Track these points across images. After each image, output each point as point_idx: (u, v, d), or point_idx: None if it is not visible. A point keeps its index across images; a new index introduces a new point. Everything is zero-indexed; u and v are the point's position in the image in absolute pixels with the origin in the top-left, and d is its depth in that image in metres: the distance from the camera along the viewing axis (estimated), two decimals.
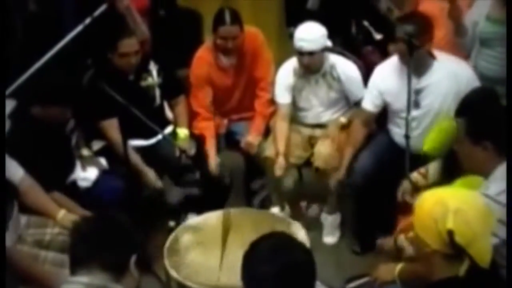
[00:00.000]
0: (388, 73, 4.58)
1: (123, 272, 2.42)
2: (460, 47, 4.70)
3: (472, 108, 3.30)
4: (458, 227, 2.41)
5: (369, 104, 4.69)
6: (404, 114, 4.46)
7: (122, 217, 2.59)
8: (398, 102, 4.53)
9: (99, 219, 2.60)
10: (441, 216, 2.44)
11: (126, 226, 2.55)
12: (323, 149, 4.86)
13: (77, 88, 4.34)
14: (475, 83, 4.33)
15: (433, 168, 4.00)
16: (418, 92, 4.42)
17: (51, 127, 4.18)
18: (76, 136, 4.69)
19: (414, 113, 4.37)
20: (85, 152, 4.71)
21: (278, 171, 4.87)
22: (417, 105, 4.41)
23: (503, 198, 2.91)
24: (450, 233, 2.41)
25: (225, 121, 5.28)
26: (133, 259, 2.45)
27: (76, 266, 2.41)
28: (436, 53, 4.33)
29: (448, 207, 2.45)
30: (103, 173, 4.57)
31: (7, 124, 4.01)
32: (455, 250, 2.44)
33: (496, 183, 3.02)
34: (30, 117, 4.14)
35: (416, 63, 4.33)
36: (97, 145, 4.94)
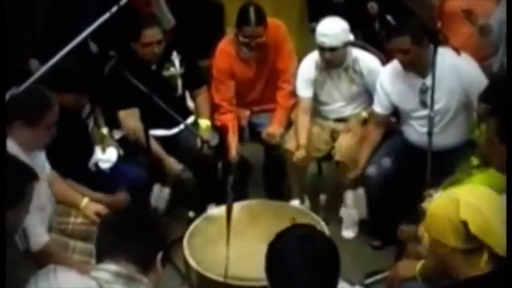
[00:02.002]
0: (393, 75, 4.56)
1: (149, 268, 2.41)
2: (486, 45, 4.67)
3: (504, 106, 3.25)
4: (472, 218, 2.39)
5: (379, 106, 4.69)
6: (414, 114, 4.49)
7: (153, 214, 2.59)
8: (406, 103, 4.53)
9: (130, 212, 2.61)
10: (454, 211, 2.42)
11: (156, 223, 2.56)
12: (344, 143, 4.84)
13: (94, 76, 4.36)
14: (479, 77, 4.30)
15: None
16: (423, 91, 4.39)
17: (67, 114, 4.19)
18: (95, 116, 4.71)
19: (423, 112, 4.36)
20: (104, 130, 4.74)
21: (298, 162, 4.87)
22: (424, 104, 4.38)
23: None
24: (465, 224, 2.39)
25: (247, 113, 5.28)
26: (159, 255, 2.45)
27: (103, 255, 2.41)
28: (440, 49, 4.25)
29: (459, 201, 2.43)
30: (124, 161, 4.57)
31: None
32: (472, 243, 2.41)
33: None
34: None
35: (419, 63, 4.34)
36: (117, 134, 4.96)
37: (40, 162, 3.65)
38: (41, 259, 3.25)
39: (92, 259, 3.63)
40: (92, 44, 4.95)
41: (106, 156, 4.53)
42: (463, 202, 2.43)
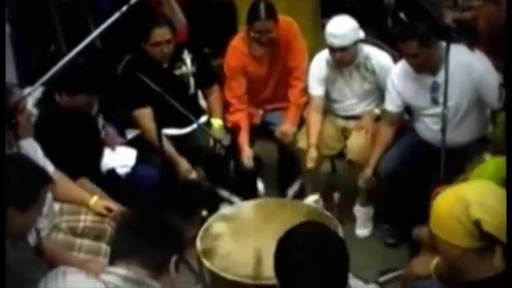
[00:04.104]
0: (403, 74, 4.53)
1: (162, 271, 2.40)
2: None
3: None
4: (484, 216, 2.34)
5: (391, 105, 4.66)
6: (426, 112, 4.47)
7: (168, 215, 2.57)
8: (417, 101, 4.51)
9: (146, 214, 2.58)
10: (463, 212, 2.37)
11: (172, 225, 2.53)
12: (357, 141, 4.83)
13: (108, 74, 4.36)
14: (491, 74, 4.26)
15: None
16: (434, 89, 4.36)
17: (78, 114, 4.20)
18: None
19: (435, 110, 4.34)
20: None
21: (310, 163, 4.85)
22: (436, 102, 4.35)
23: None
24: (477, 223, 2.35)
25: (260, 112, 5.27)
26: (173, 259, 2.43)
27: (115, 257, 2.40)
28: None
29: (468, 200, 2.38)
30: (137, 161, 4.57)
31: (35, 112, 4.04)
32: (486, 242, 2.38)
33: None
34: (57, 105, 4.16)
35: (430, 63, 4.31)
36: (131, 134, 4.96)
37: (40, 163, 3.64)
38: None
39: (99, 257, 3.64)
40: (98, 41, 4.96)
41: (123, 161, 4.53)
42: (472, 200, 2.38)
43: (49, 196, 3.57)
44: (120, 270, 2.33)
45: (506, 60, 3.97)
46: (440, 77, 4.25)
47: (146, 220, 2.49)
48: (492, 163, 3.54)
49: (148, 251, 2.38)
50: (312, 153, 4.84)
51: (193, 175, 4.78)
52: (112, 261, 2.41)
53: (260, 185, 5.01)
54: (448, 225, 2.43)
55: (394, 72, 4.61)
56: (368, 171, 4.71)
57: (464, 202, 2.39)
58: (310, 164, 4.84)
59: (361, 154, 4.78)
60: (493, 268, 2.40)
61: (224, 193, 4.83)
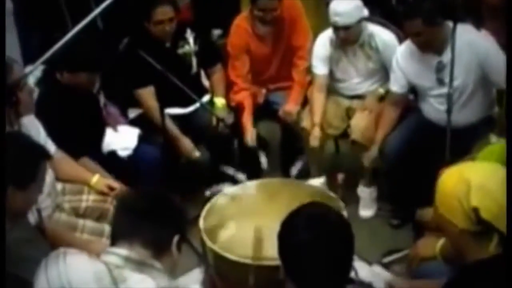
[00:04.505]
0: (408, 54, 4.49)
1: (164, 251, 2.38)
2: None
3: None
4: (483, 203, 2.34)
5: (396, 85, 4.62)
6: (431, 92, 4.44)
7: (170, 195, 2.55)
8: (423, 81, 4.47)
9: (147, 194, 2.55)
10: (465, 194, 2.37)
11: (174, 205, 2.51)
12: (360, 122, 4.80)
13: (110, 53, 4.33)
14: (496, 53, 4.20)
15: None
16: (439, 69, 4.33)
17: (79, 92, 4.17)
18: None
19: (440, 90, 4.30)
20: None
21: (314, 141, 4.83)
22: (441, 82, 4.32)
23: None
24: (476, 210, 2.34)
25: (263, 91, 5.24)
26: (175, 239, 2.41)
27: (117, 237, 2.38)
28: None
29: (470, 184, 2.37)
30: (139, 141, 4.55)
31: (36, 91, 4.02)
32: (483, 227, 2.37)
33: None
34: (58, 83, 4.13)
35: (434, 43, 4.28)
36: (133, 113, 4.94)
37: (42, 142, 3.61)
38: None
39: (102, 238, 3.63)
40: (98, 20, 4.93)
41: (124, 144, 4.51)
42: (474, 185, 2.37)
43: (51, 175, 3.55)
44: (122, 250, 2.32)
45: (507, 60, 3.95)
46: (446, 57, 4.21)
47: (147, 200, 2.47)
48: (499, 148, 3.51)
49: (150, 231, 2.36)
50: (316, 132, 4.82)
51: (196, 153, 4.76)
52: (113, 242, 2.39)
53: (263, 160, 4.99)
54: (449, 204, 2.43)
55: (398, 52, 4.58)
56: (373, 151, 4.68)
57: (466, 184, 2.38)
58: (314, 143, 4.83)
59: (365, 134, 4.76)
60: (488, 254, 2.39)
61: (229, 170, 4.81)
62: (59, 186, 3.81)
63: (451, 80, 3.96)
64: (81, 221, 3.73)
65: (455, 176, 2.47)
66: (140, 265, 2.30)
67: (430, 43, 4.29)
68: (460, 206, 2.38)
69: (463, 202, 2.37)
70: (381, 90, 4.87)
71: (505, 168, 2.49)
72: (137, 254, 2.31)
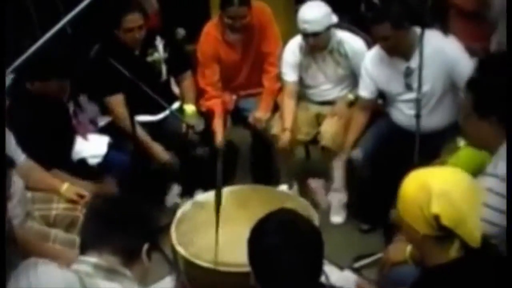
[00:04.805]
0: (377, 59, 4.53)
1: (133, 259, 2.37)
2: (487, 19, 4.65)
3: (481, 81, 3.22)
4: (444, 211, 2.37)
5: (365, 91, 4.65)
6: (400, 97, 4.47)
7: (140, 202, 2.54)
8: (391, 86, 4.51)
9: (116, 201, 2.55)
10: (426, 201, 2.39)
11: (143, 212, 2.50)
12: (330, 128, 4.82)
13: (79, 61, 4.31)
14: (463, 58, 4.25)
15: None
16: (407, 74, 4.37)
17: (49, 102, 4.15)
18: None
19: (409, 96, 4.33)
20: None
21: (283, 143, 4.86)
22: (409, 87, 4.36)
23: None
24: (436, 217, 2.37)
25: (233, 98, 5.25)
26: (145, 247, 2.40)
27: (86, 246, 2.37)
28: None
29: (431, 191, 2.39)
30: (109, 149, 4.53)
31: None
32: (444, 232, 2.40)
33: (503, 161, 2.93)
34: (28, 92, 4.11)
35: (402, 47, 4.31)
36: (103, 121, 4.92)
37: (12, 151, 3.59)
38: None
39: (74, 249, 3.60)
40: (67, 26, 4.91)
41: (94, 151, 4.49)
42: (435, 192, 2.39)
43: (21, 183, 3.53)
44: (91, 258, 2.31)
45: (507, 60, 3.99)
46: (414, 62, 4.25)
47: (116, 207, 2.46)
48: (467, 151, 3.55)
49: (119, 239, 2.35)
50: (286, 135, 4.83)
51: (167, 156, 4.75)
52: (83, 250, 2.38)
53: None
54: (411, 210, 2.46)
55: (367, 58, 4.60)
56: (342, 157, 4.70)
57: (427, 191, 2.41)
58: (283, 144, 4.84)
59: (335, 140, 4.77)
60: (449, 257, 2.44)
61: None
62: (29, 194, 3.79)
63: (420, 85, 3.99)
64: (53, 231, 3.70)
65: (416, 182, 2.49)
66: (110, 273, 2.29)
67: (398, 48, 4.32)
68: (421, 212, 2.41)
69: (424, 209, 2.40)
70: (351, 96, 4.90)
71: (468, 175, 2.53)
72: (106, 262, 2.30)
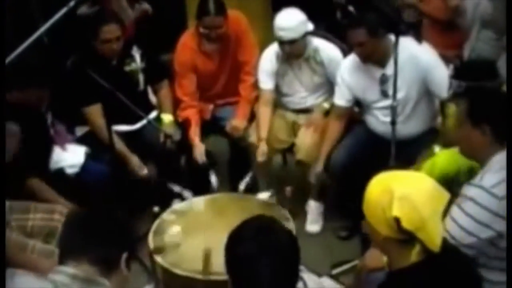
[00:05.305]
0: (352, 68, 4.56)
1: (112, 269, 2.38)
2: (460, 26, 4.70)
3: (475, 89, 3.24)
4: (404, 214, 2.40)
5: (340, 99, 4.68)
6: (376, 105, 4.51)
7: (118, 213, 2.55)
8: (367, 94, 4.54)
9: (94, 212, 2.55)
10: (387, 204, 2.43)
11: (122, 222, 2.51)
12: (305, 141, 4.84)
13: (56, 71, 4.31)
14: (437, 65, 4.31)
15: None
16: (383, 81, 4.41)
17: (27, 111, 4.14)
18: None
19: (385, 103, 4.37)
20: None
21: (260, 157, 4.85)
22: (385, 94, 4.40)
23: (497, 190, 2.86)
24: (397, 220, 2.41)
25: (210, 107, 5.25)
26: (124, 256, 2.41)
27: (65, 256, 2.37)
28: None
29: (393, 194, 2.43)
30: (87, 158, 4.53)
31: None
32: (405, 235, 2.44)
33: (491, 174, 2.93)
34: (6, 102, 4.09)
35: (377, 54, 4.35)
36: (80, 131, 4.91)
37: None
38: None
39: (52, 259, 3.59)
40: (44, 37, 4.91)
41: (72, 161, 4.48)
42: (397, 195, 2.43)
43: None
44: (69, 269, 2.31)
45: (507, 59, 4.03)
46: (389, 70, 4.29)
47: (94, 217, 2.47)
48: (443, 156, 3.58)
49: (97, 249, 2.36)
50: (263, 147, 4.84)
51: (144, 171, 4.76)
52: (61, 260, 2.38)
53: (213, 179, 4.99)
54: (374, 212, 2.51)
55: (343, 66, 4.63)
56: (318, 167, 4.72)
57: (389, 194, 2.45)
58: (260, 158, 4.85)
59: (310, 154, 4.80)
60: (410, 260, 2.49)
61: (176, 188, 4.81)
62: (7, 204, 3.77)
63: (395, 92, 4.02)
64: (31, 242, 3.68)
65: (380, 185, 2.54)
66: (87, 283, 2.30)
67: (373, 55, 4.35)
68: (383, 215, 2.45)
69: (385, 211, 2.44)
70: (326, 105, 4.92)
71: (448, 179, 2.57)
72: (84, 272, 2.31)
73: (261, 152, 4.84)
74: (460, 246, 2.88)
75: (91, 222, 2.44)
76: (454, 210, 2.94)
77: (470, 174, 3.23)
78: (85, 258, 2.33)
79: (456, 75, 3.77)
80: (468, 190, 2.93)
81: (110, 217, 2.50)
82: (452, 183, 3.34)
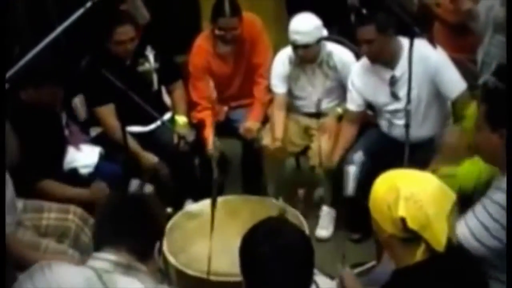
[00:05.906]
0: (362, 72, 4.57)
1: (147, 257, 2.41)
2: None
3: (494, 93, 3.22)
4: (410, 213, 2.41)
5: (352, 104, 4.69)
6: (387, 108, 4.52)
7: (153, 201, 2.58)
8: (377, 97, 4.55)
9: (132, 199, 2.59)
10: (393, 203, 2.44)
11: (157, 211, 2.54)
12: (319, 147, 4.81)
13: (71, 69, 4.33)
14: (447, 66, 4.32)
15: None
16: (393, 83, 4.41)
17: (43, 111, 4.16)
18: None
19: (396, 105, 4.37)
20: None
21: (274, 153, 4.88)
22: (395, 96, 4.41)
23: None
24: (403, 219, 2.42)
25: (225, 108, 5.26)
26: (157, 244, 2.44)
27: (102, 243, 2.39)
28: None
29: (400, 193, 2.44)
30: (101, 159, 4.55)
31: None
32: (410, 234, 2.44)
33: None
34: (21, 102, 4.12)
35: (385, 53, 4.36)
36: (94, 131, 4.93)
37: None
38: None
39: (65, 256, 3.61)
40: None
41: (85, 161, 4.50)
42: (403, 194, 2.44)
43: (10, 192, 3.53)
44: (110, 255, 2.34)
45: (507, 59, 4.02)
46: (398, 71, 4.31)
47: (130, 205, 2.49)
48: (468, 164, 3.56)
49: (136, 237, 2.39)
50: (277, 143, 4.85)
51: (156, 159, 4.78)
52: (98, 248, 2.40)
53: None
54: (380, 210, 2.52)
55: (353, 71, 4.64)
56: (330, 172, 4.73)
57: (396, 193, 2.46)
58: (274, 152, 4.85)
59: (324, 161, 4.76)
60: (415, 259, 2.48)
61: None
62: (20, 203, 3.79)
63: (409, 95, 4.00)
64: (44, 241, 3.71)
65: (387, 183, 2.55)
66: (129, 269, 2.33)
67: (381, 53, 4.35)
68: (389, 213, 2.46)
69: (391, 209, 2.45)
70: (339, 110, 4.92)
71: (438, 180, 2.56)
72: (126, 259, 2.34)
73: (276, 147, 4.85)
74: (480, 247, 2.88)
75: (128, 210, 2.47)
76: (479, 210, 2.93)
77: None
78: (124, 246, 2.36)
79: (497, 72, 3.75)
80: (493, 194, 2.91)
81: (145, 205, 2.52)
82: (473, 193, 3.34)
